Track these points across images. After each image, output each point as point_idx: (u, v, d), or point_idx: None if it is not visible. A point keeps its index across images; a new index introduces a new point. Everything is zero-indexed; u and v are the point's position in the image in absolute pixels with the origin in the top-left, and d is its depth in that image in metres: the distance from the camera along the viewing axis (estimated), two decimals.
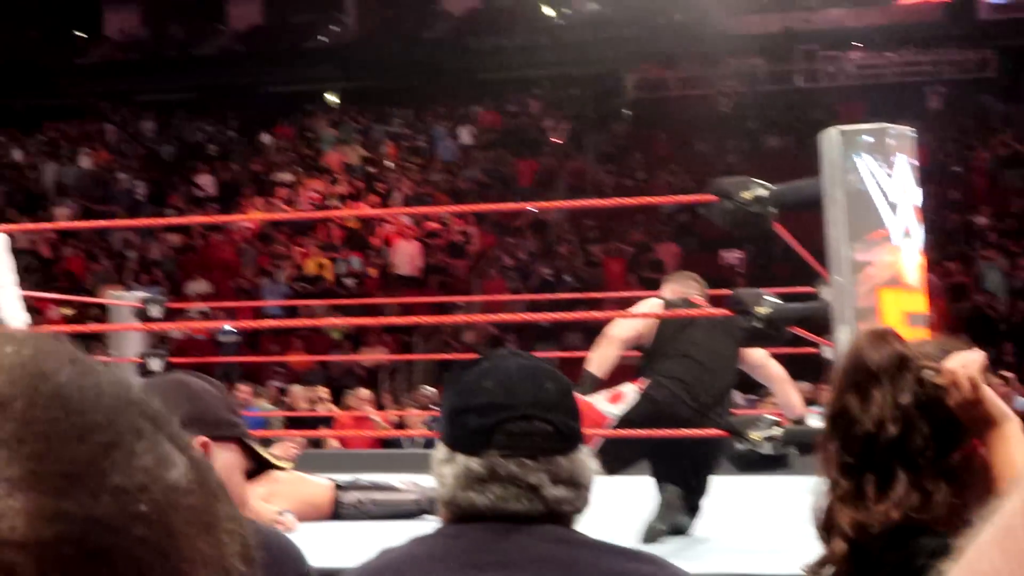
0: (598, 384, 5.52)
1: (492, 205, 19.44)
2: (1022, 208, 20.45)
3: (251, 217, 21.24)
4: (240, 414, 2.03)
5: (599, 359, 5.54)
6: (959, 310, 17.63)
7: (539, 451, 1.66)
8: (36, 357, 0.62)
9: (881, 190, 4.11)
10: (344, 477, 6.68)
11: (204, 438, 1.90)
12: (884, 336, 1.97)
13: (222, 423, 1.96)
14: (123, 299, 10.01)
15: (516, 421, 1.66)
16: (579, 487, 1.69)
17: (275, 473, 6.57)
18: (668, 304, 5.64)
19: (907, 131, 4.25)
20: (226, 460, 1.94)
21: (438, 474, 1.71)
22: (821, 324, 4.75)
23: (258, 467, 2.04)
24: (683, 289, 5.81)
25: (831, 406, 1.96)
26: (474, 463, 1.66)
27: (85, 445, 0.59)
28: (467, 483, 1.66)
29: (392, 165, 24.96)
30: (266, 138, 27.38)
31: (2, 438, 0.58)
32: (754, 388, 12.65)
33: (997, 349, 16.81)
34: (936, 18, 27.54)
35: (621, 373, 5.81)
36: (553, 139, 25.58)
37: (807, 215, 5.13)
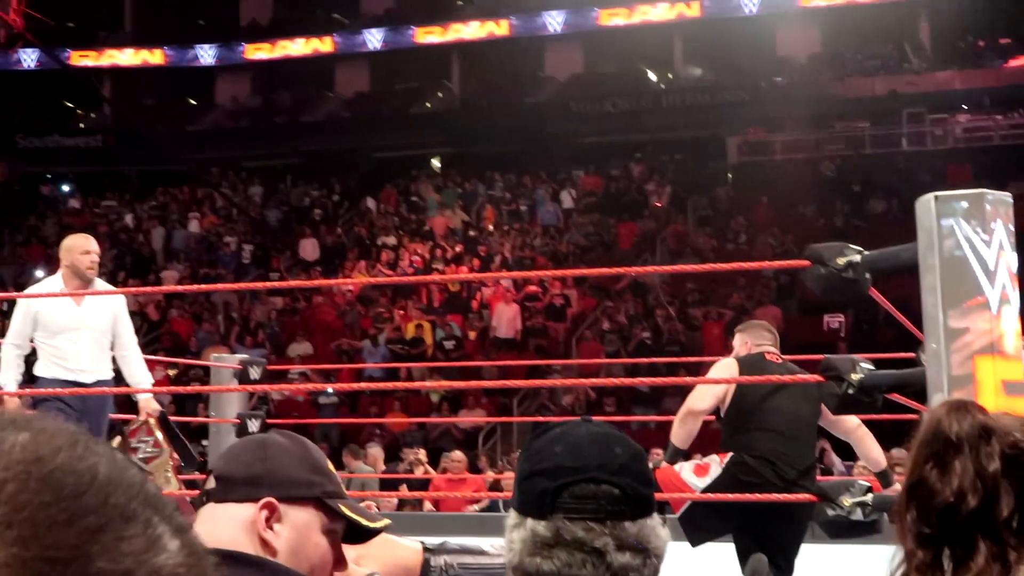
0: (681, 455, 5.48)
1: (592, 269, 19.43)
2: None
3: (353, 281, 21.48)
4: (327, 474, 2.01)
5: (682, 433, 5.52)
6: None
7: (605, 514, 1.63)
8: (34, 441, 0.63)
9: (978, 256, 4.02)
10: (434, 540, 6.67)
11: (270, 498, 1.90)
12: (964, 406, 1.93)
13: (298, 483, 1.94)
14: (224, 361, 10.12)
15: (583, 484, 1.64)
16: (646, 554, 1.66)
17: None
18: (744, 364, 5.54)
19: (1005, 196, 4.16)
20: (300, 520, 1.92)
21: (508, 540, 1.70)
22: (920, 391, 4.66)
23: (353, 529, 2.02)
24: (755, 341, 5.72)
25: (909, 476, 1.91)
26: (540, 527, 1.64)
27: (73, 529, 0.60)
28: (534, 548, 1.64)
29: (493, 229, 25.10)
30: (370, 202, 27.72)
31: None
32: (851, 453, 12.45)
33: None
34: None
35: (710, 439, 5.76)
36: (654, 203, 25.55)
37: (913, 280, 5.05)
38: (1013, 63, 28.03)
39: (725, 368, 5.55)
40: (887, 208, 23.97)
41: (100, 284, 7.38)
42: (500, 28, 31.99)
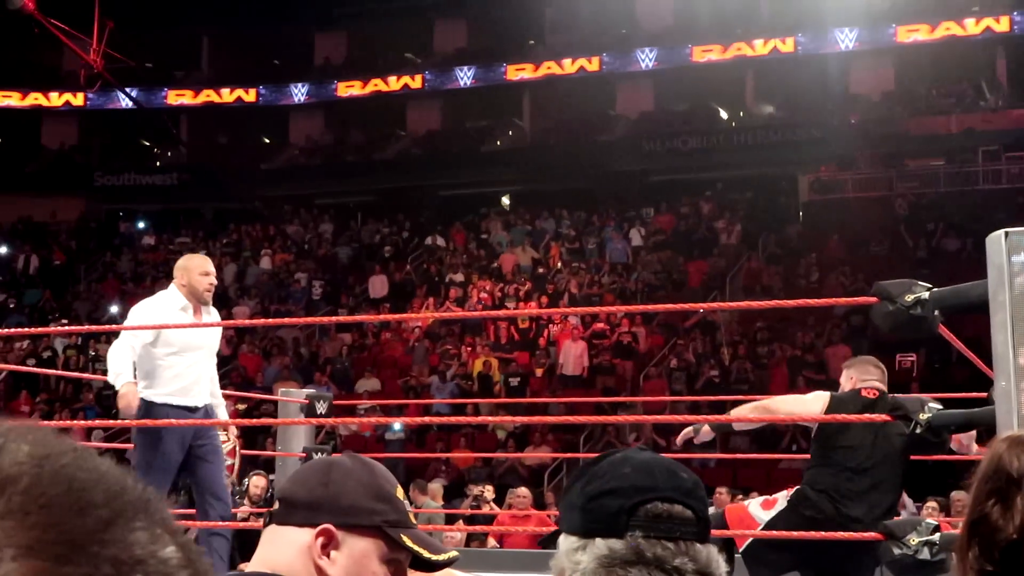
0: (726, 428, 5.42)
1: (658, 306, 19.35)
2: None
3: (421, 316, 21.54)
4: (392, 501, 1.98)
5: (742, 414, 5.52)
6: None
7: (680, 534, 1.60)
8: (42, 444, 0.68)
9: None
10: None
11: (327, 525, 1.88)
12: None
13: (359, 510, 1.91)
14: (292, 395, 10.18)
15: (657, 502, 1.61)
16: None
17: (456, 572, 6.56)
18: (835, 399, 5.45)
19: None
20: (358, 549, 1.90)
21: (571, 563, 1.64)
22: (990, 430, 4.57)
23: (420, 561, 1.99)
24: (861, 376, 5.62)
25: (970, 513, 1.86)
26: (617, 544, 1.60)
27: (86, 519, 0.65)
28: (610, 565, 1.61)
29: (562, 266, 25.09)
30: (439, 240, 27.83)
31: (10, 509, 0.64)
32: (923, 492, 12.26)
33: None
34: None
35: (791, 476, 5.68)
36: (725, 240, 25.42)
37: (987, 318, 4.97)
38: None
39: (817, 398, 5.47)
40: (961, 247, 23.69)
41: (213, 309, 7.06)
42: (574, 66, 32.07)
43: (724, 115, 32.24)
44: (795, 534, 5.01)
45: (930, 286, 4.42)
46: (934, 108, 29.30)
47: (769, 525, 5.22)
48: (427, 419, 14.36)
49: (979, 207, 25.19)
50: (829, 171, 28.19)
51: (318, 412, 9.55)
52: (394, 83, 33.75)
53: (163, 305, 6.58)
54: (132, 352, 6.42)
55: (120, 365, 6.32)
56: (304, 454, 9.45)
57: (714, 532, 5.11)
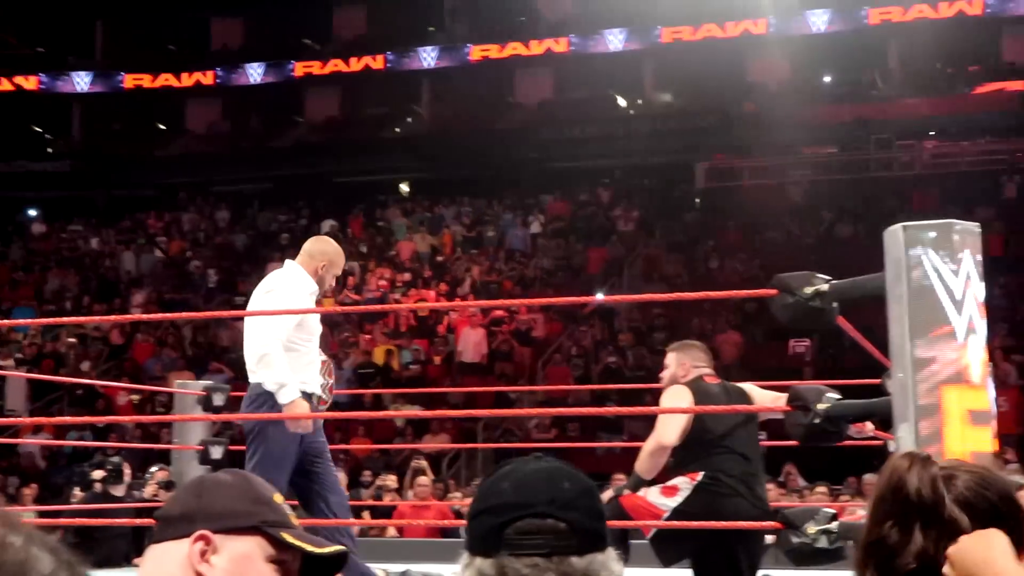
0: (643, 484, 5.46)
1: (560, 299, 19.42)
2: None
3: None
4: (269, 503, 1.94)
5: (650, 465, 5.47)
6: None
7: (551, 549, 1.59)
8: None
9: (945, 286, 3.99)
10: (397, 568, 6.60)
11: (203, 531, 1.85)
12: (925, 461, 1.83)
13: (234, 514, 1.88)
14: (188, 387, 10.03)
15: (527, 519, 1.60)
16: None
17: None
18: (694, 391, 5.51)
19: (973, 227, 4.14)
20: (238, 551, 1.86)
21: None
22: (887, 420, 4.63)
23: (315, 562, 1.95)
24: (692, 362, 5.71)
25: (868, 533, 1.81)
26: (486, 565, 1.60)
27: None
28: None
29: (460, 253, 25.07)
30: (337, 227, 27.63)
31: None
32: (815, 475, 12.44)
33: None
34: (1012, 107, 27.35)
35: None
36: (623, 227, 25.56)
37: (877, 307, 5.03)
38: (980, 90, 28.24)
39: (680, 397, 5.50)
40: (854, 234, 24.07)
41: None
42: (474, 54, 32.04)
43: (622, 103, 32.41)
44: (696, 525, 5.05)
45: (829, 278, 4.46)
46: (828, 97, 29.73)
47: (680, 510, 5.26)
48: (325, 415, 14.19)
49: (871, 195, 25.63)
50: (726, 159, 28.48)
51: (215, 404, 9.42)
52: (292, 69, 33.43)
53: (303, 287, 5.88)
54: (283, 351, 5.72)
55: (284, 371, 5.63)
56: (201, 447, 9.33)
57: (618, 524, 5.15)
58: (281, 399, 5.56)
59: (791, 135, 27.75)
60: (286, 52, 33.60)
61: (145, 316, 20.91)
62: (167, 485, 9.48)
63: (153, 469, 10.04)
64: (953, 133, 27.50)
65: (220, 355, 21.71)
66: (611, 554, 1.64)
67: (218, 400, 9.46)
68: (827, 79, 30.77)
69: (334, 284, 6.20)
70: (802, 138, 28.01)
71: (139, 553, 9.30)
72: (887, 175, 26.74)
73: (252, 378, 5.69)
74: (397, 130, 33.42)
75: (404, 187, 32.82)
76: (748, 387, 5.85)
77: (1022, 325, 19.25)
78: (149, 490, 9.54)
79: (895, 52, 29.92)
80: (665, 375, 5.83)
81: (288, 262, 6.03)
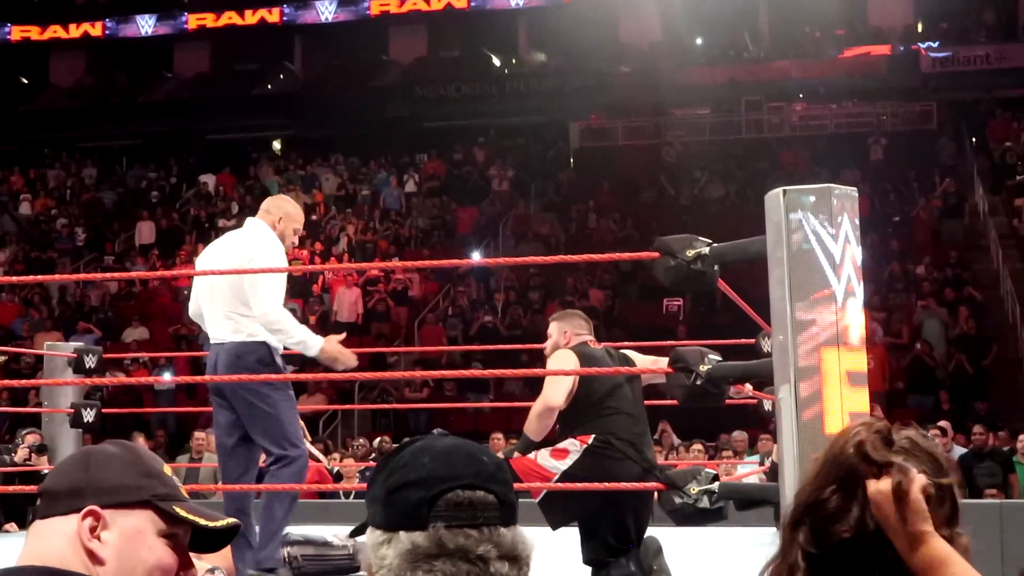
0: (533, 446, 5.48)
1: (441, 262, 19.39)
2: (961, 259, 20.65)
3: (183, 272, 21.00)
4: (159, 476, 1.90)
5: (539, 427, 5.48)
6: (898, 359, 17.74)
7: (483, 520, 1.59)
8: None
9: (825, 250, 4.07)
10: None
11: (92, 506, 1.80)
12: (882, 432, 1.83)
13: (124, 488, 1.84)
14: (58, 349, 9.82)
15: (458, 490, 1.59)
16: (520, 563, 1.62)
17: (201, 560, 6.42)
18: (579, 355, 5.56)
19: (851, 191, 4.22)
20: (129, 526, 1.82)
21: (377, 558, 1.61)
22: (767, 381, 4.72)
23: (201, 540, 1.92)
24: (575, 330, 5.76)
25: (808, 493, 1.81)
26: (420, 537, 1.58)
27: None
28: (414, 560, 1.58)
29: (335, 212, 24.87)
30: (209, 185, 27.22)
31: None
32: (689, 432, 12.65)
33: (935, 398, 16.93)
34: (879, 71, 27.91)
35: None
36: (498, 187, 25.60)
37: (750, 267, 5.12)
38: (847, 54, 28.75)
39: (565, 360, 5.54)
40: (725, 194, 24.41)
41: None
42: (344, 11, 31.70)
43: (497, 62, 32.37)
44: (588, 486, 5.09)
45: (710, 241, 4.51)
46: (700, 59, 30.02)
47: (570, 473, 5.30)
48: (198, 378, 14.03)
49: (743, 156, 26.00)
50: (600, 119, 28.64)
51: (87, 366, 9.25)
52: (160, 23, 32.74)
53: (279, 246, 5.75)
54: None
55: (299, 327, 5.63)
56: (72, 409, 9.16)
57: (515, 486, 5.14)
58: (312, 352, 5.58)
59: (664, 96, 27.99)
60: (154, 5, 32.89)
61: (32, 278, 20.33)
62: (39, 449, 9.28)
63: (23, 432, 9.82)
64: (821, 96, 27.97)
65: (89, 315, 21.31)
66: (522, 529, 1.66)
67: (90, 362, 9.29)
68: (699, 41, 31.05)
69: (296, 242, 6.04)
70: (674, 99, 28.27)
71: (9, 519, 9.10)
72: (757, 137, 27.13)
73: (236, 337, 5.58)
74: (269, 87, 32.97)
75: (277, 145, 32.44)
76: (629, 353, 5.91)
77: (887, 285, 19.73)
78: (20, 454, 9.34)
79: (765, 15, 30.30)
80: (548, 344, 5.84)
81: (251, 220, 5.92)
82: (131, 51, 33.12)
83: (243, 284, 5.55)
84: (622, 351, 5.89)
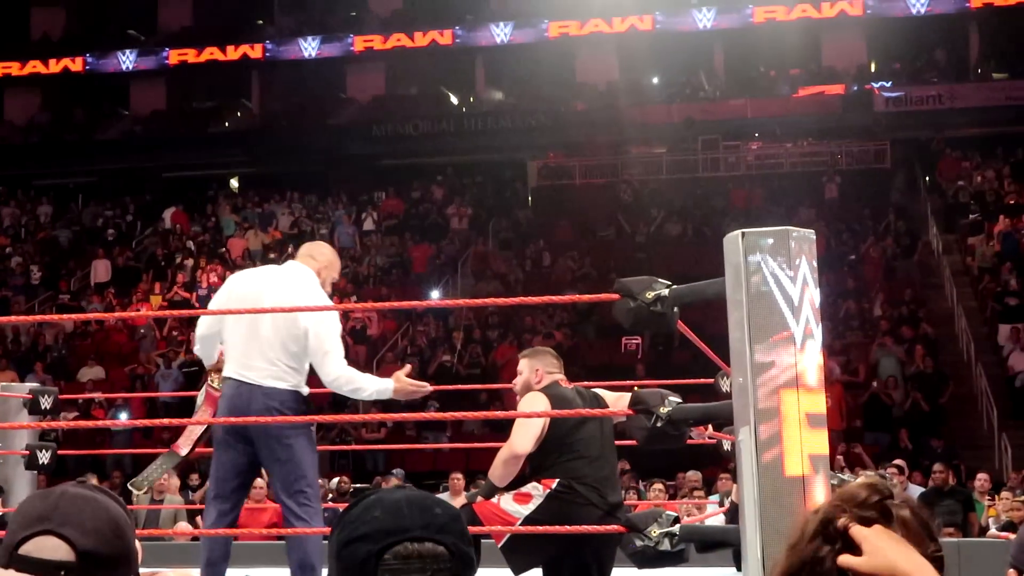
0: (495, 492, 5.44)
1: (401, 303, 19.34)
2: (915, 297, 20.82)
3: (143, 315, 20.94)
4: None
5: (504, 473, 5.42)
6: (855, 397, 17.84)
7: (431, 572, 1.59)
8: None
9: (783, 292, 4.10)
10: (236, 573, 6.49)
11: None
12: (876, 496, 1.76)
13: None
14: (12, 390, 9.72)
15: (405, 543, 1.60)
16: None
17: (165, 572, 6.36)
18: (550, 397, 5.53)
19: (809, 233, 4.26)
20: None
21: None
22: (727, 422, 4.73)
23: None
24: (546, 368, 5.71)
25: (798, 551, 1.74)
26: None
27: None
28: None
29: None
30: (166, 223, 27.10)
31: None
32: (650, 472, 12.66)
33: (892, 436, 17.04)
34: (833, 110, 28.18)
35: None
36: (456, 225, 25.63)
37: (708, 306, 5.15)
38: (802, 92, 29.01)
39: (536, 404, 5.50)
40: (682, 232, 24.54)
41: None
42: (304, 48, 31.71)
43: (454, 100, 32.46)
44: (552, 530, 5.07)
45: (669, 283, 4.53)
46: (656, 97, 30.22)
47: (532, 518, 5.27)
48: (157, 421, 13.97)
49: (699, 194, 26.16)
50: (557, 157, 28.75)
51: (43, 407, 9.16)
52: (116, 61, 32.63)
53: (312, 287, 5.62)
54: None
55: (364, 377, 5.58)
56: (27, 451, 9.06)
57: (471, 529, 5.11)
58: (387, 395, 5.53)
59: (621, 134, 28.15)
60: (110, 43, 32.78)
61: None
62: None
63: None
64: (776, 134, 28.21)
65: (44, 354, 21.14)
66: None
67: (45, 403, 9.21)
68: (655, 80, 31.26)
69: (329, 290, 5.84)
70: (631, 137, 28.43)
71: None
72: (714, 175, 27.31)
73: (279, 384, 5.42)
74: (226, 124, 32.90)
75: (234, 182, 32.35)
76: (600, 391, 5.87)
77: (843, 323, 19.87)
78: None
79: (720, 54, 30.54)
80: (518, 381, 5.78)
81: (294, 263, 5.77)
82: (87, 87, 32.98)
83: (298, 336, 5.39)
84: (593, 390, 5.84)
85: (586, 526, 5.08)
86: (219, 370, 5.82)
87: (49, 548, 1.74)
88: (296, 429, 5.47)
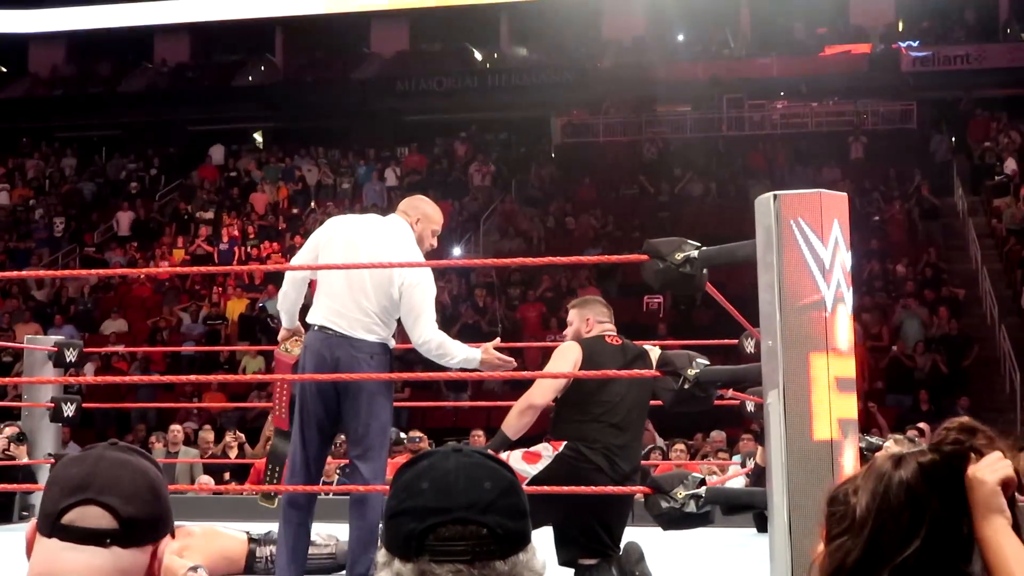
0: (507, 445, 5.38)
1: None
2: (939, 258, 20.71)
3: (168, 271, 21.01)
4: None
5: (518, 425, 5.36)
6: (877, 359, 17.78)
7: (473, 555, 1.56)
8: None
9: (815, 255, 4.06)
10: (260, 528, 6.53)
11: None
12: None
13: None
14: (38, 342, 9.77)
15: (449, 525, 1.57)
16: None
17: (188, 526, 6.40)
18: (586, 348, 5.48)
19: (840, 196, 4.22)
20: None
21: None
22: (756, 385, 4.71)
23: None
24: (596, 317, 5.64)
25: (868, 519, 1.87)
26: (406, 569, 1.57)
27: None
28: None
29: (315, 205, 24.82)
30: (189, 176, 27.13)
31: None
32: (672, 431, 12.64)
33: (914, 398, 16.99)
34: (860, 70, 27.96)
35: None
36: (479, 182, 25.58)
37: (730, 267, 5.11)
38: (828, 52, 28.79)
39: (569, 354, 5.43)
40: (705, 191, 24.43)
41: None
42: (328, 3, 31.60)
43: (479, 56, 32.33)
44: (567, 489, 5.06)
45: (699, 244, 4.50)
46: (682, 55, 30.02)
47: (539, 478, 5.24)
48: (183, 378, 14.04)
49: (723, 153, 26.02)
50: (581, 115, 28.62)
51: (67, 359, 9.21)
52: (140, 13, 32.56)
53: (408, 240, 5.50)
54: None
55: (457, 345, 5.39)
56: (52, 404, 9.12)
57: None
58: (473, 365, 5.36)
59: (645, 92, 27.99)
60: None
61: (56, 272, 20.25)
62: (18, 438, 9.24)
63: (2, 425, 9.78)
64: (802, 94, 28.01)
65: (67, 306, 21.24)
66: (533, 550, 1.63)
67: (71, 355, 9.26)
68: (680, 37, 31.06)
69: (435, 244, 5.75)
70: (656, 95, 28.27)
71: None
72: (738, 134, 27.15)
73: (370, 336, 5.28)
74: (250, 78, 32.84)
75: (258, 137, 32.33)
76: (651, 348, 5.75)
77: (866, 284, 19.78)
78: None
79: (747, 12, 30.32)
80: (568, 332, 5.72)
81: (394, 216, 5.63)
82: (111, 40, 32.93)
83: (390, 291, 5.28)
84: (643, 347, 5.72)
85: (590, 487, 5.03)
86: (289, 338, 5.75)
87: (92, 517, 1.75)
88: (387, 390, 5.38)
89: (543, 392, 5.37)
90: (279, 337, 5.81)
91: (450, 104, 29.40)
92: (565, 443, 5.32)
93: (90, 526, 1.75)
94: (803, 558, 3.82)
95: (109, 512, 1.76)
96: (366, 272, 5.31)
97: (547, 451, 5.35)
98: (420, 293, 5.30)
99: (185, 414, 16.50)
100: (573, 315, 5.75)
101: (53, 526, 1.76)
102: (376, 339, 5.30)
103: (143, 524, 1.78)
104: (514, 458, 5.31)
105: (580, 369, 5.39)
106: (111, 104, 31.24)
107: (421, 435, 11.63)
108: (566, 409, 5.43)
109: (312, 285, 5.56)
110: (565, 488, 5.04)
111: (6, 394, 12.50)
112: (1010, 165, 22.32)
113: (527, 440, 5.55)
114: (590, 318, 5.65)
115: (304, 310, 5.57)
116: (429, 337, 5.29)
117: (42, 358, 9.28)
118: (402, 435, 11.42)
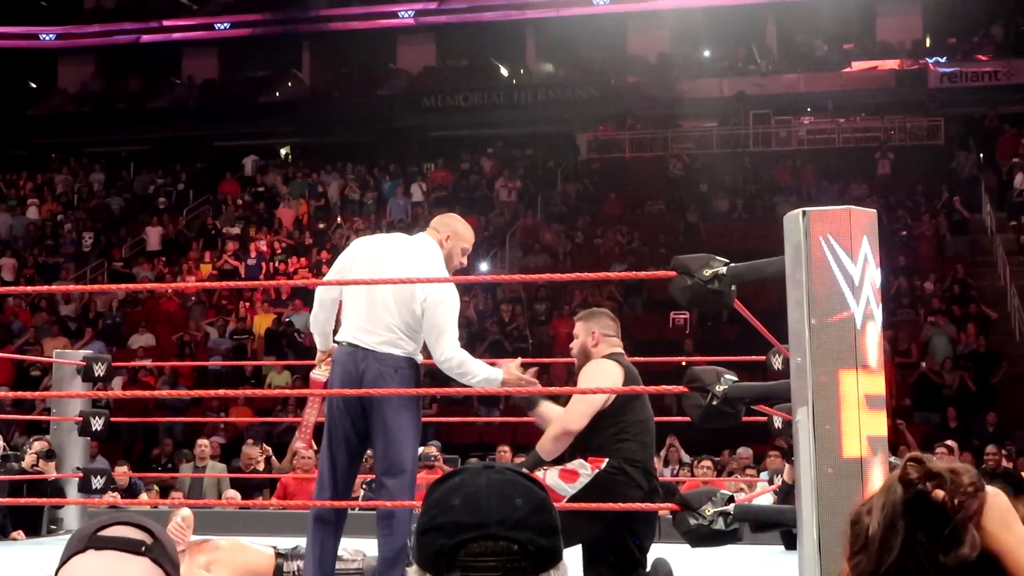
0: (541, 465, 5.32)
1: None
2: (967, 275, 20.61)
3: (195, 285, 21.07)
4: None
5: (552, 449, 5.31)
6: (905, 376, 17.70)
7: (503, 572, 1.57)
8: None
9: (844, 271, 4.05)
10: (287, 543, 6.54)
11: None
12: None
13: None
14: (67, 356, 9.82)
15: (480, 541, 1.57)
16: None
17: (216, 540, 6.41)
18: (624, 365, 5.37)
19: (870, 212, 4.21)
20: None
21: None
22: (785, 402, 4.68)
23: None
24: (603, 331, 5.57)
25: (876, 538, 1.87)
26: None
27: None
28: None
29: (341, 221, 24.87)
30: (216, 192, 27.24)
31: None
32: (697, 447, 12.62)
33: (941, 415, 16.89)
34: (886, 86, 27.90)
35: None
36: (505, 198, 25.60)
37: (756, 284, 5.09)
38: (855, 68, 28.74)
39: (610, 372, 5.34)
40: (731, 207, 24.38)
41: None
42: (355, 19, 31.73)
43: (504, 72, 32.39)
44: (592, 506, 5.05)
45: (727, 261, 4.50)
46: (708, 71, 30.02)
47: (580, 495, 5.18)
48: (210, 391, 14.07)
49: (749, 169, 25.97)
50: (607, 131, 28.62)
51: (95, 374, 9.26)
52: (169, 29, 32.77)
53: (434, 262, 5.46)
54: None
55: (477, 363, 5.38)
56: (80, 418, 9.16)
57: None
58: (495, 385, 5.37)
59: (671, 108, 27.99)
60: (162, 12, 32.94)
61: (73, 287, 20.35)
62: (47, 455, 9.28)
63: (31, 439, 9.84)
64: (829, 110, 27.97)
65: (95, 321, 21.33)
66: (564, 568, 1.63)
67: (99, 370, 9.30)
68: (707, 53, 31.06)
69: (464, 262, 5.69)
70: (682, 111, 28.26)
71: (16, 527, 9.09)
72: (765, 150, 27.10)
73: (395, 351, 5.29)
74: (277, 94, 33.00)
75: (284, 152, 32.46)
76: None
77: (894, 300, 19.70)
78: (28, 460, 9.33)
79: (772, 28, 30.31)
80: (575, 346, 5.67)
81: (422, 234, 5.63)
82: (140, 56, 33.15)
83: (413, 307, 5.28)
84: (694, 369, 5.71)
85: (630, 504, 5.01)
86: (324, 359, 5.76)
87: (127, 531, 1.77)
88: (413, 404, 5.37)
89: (579, 417, 5.27)
90: (316, 360, 5.83)
91: (476, 120, 29.45)
92: (607, 461, 5.24)
93: (127, 536, 1.77)
94: None
95: (142, 530, 1.79)
96: (389, 288, 5.31)
97: (584, 469, 5.25)
98: (443, 310, 5.29)
99: (212, 428, 16.55)
100: (578, 328, 5.68)
101: (90, 539, 1.76)
102: (402, 353, 5.30)
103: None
104: (551, 476, 5.23)
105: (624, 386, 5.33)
106: (139, 120, 31.42)
107: (436, 454, 11.59)
108: (598, 429, 5.33)
109: (341, 306, 5.56)
110: (593, 504, 5.02)
111: (35, 408, 12.56)
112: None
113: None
114: (596, 331, 5.58)
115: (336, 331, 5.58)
116: (451, 355, 5.28)
117: (70, 372, 9.34)
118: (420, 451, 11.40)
